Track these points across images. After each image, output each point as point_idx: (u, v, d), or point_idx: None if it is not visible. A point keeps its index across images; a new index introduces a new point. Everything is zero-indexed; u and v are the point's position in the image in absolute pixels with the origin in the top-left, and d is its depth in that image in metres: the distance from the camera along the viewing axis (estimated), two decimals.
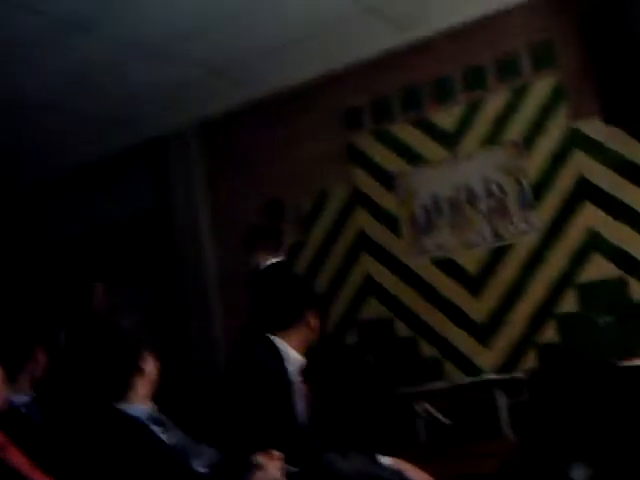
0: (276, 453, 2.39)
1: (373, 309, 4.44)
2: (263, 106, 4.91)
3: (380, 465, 2.81)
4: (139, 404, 2.35)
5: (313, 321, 3.25)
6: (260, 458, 2.37)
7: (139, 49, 4.13)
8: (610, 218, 3.82)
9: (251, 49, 4.31)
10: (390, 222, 4.42)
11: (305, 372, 3.24)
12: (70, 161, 5.68)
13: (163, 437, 2.30)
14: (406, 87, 4.41)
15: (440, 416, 3.86)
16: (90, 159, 5.65)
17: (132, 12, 3.72)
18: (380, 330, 4.40)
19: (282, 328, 3.23)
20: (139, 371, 2.37)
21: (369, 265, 4.47)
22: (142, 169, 5.46)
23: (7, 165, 5.62)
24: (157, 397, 2.46)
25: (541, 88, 4.03)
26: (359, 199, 4.53)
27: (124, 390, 2.34)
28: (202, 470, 2.40)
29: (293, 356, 3.23)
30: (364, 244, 4.50)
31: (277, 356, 3.15)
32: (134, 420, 2.30)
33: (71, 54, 4.07)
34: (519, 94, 4.09)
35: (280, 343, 3.18)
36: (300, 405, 3.20)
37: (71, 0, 3.53)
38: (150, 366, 2.42)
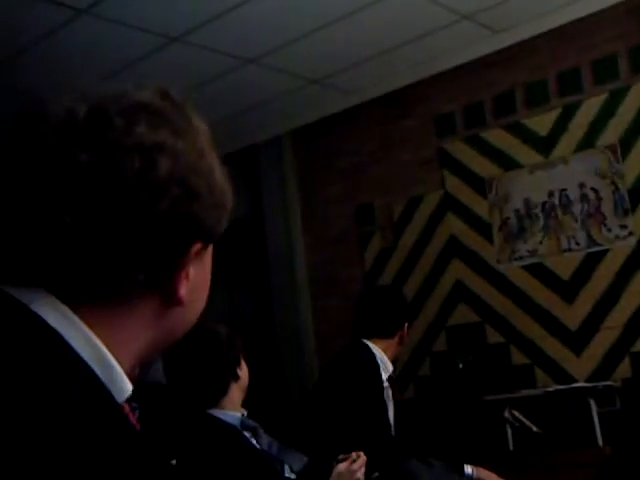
0: (359, 455, 2.42)
1: (463, 315, 4.40)
2: (357, 113, 4.96)
3: (463, 475, 2.79)
4: (232, 411, 2.38)
5: (405, 333, 3.32)
6: (342, 460, 2.40)
7: (235, 59, 4.25)
8: None
9: (346, 57, 4.38)
10: (482, 228, 4.38)
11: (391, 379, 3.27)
12: None
13: (254, 443, 2.34)
14: (499, 92, 4.38)
15: (530, 424, 3.79)
16: None
17: (229, 23, 3.82)
18: (470, 336, 4.36)
19: (383, 336, 3.29)
20: (235, 378, 2.40)
21: (460, 271, 4.44)
22: (234, 176, 5.56)
23: None
24: (246, 401, 2.49)
25: (639, 91, 3.94)
26: (450, 205, 4.52)
27: (219, 397, 2.37)
28: (291, 476, 2.44)
29: (387, 363, 3.28)
30: (455, 250, 4.47)
31: (375, 362, 3.21)
32: (229, 427, 2.32)
33: (163, 66, 4.21)
34: (616, 97, 4.00)
35: (377, 350, 3.24)
36: (390, 411, 3.23)
37: (167, 10, 3.68)
38: (244, 372, 2.46)
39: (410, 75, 4.64)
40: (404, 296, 3.65)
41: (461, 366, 4.25)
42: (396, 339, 3.30)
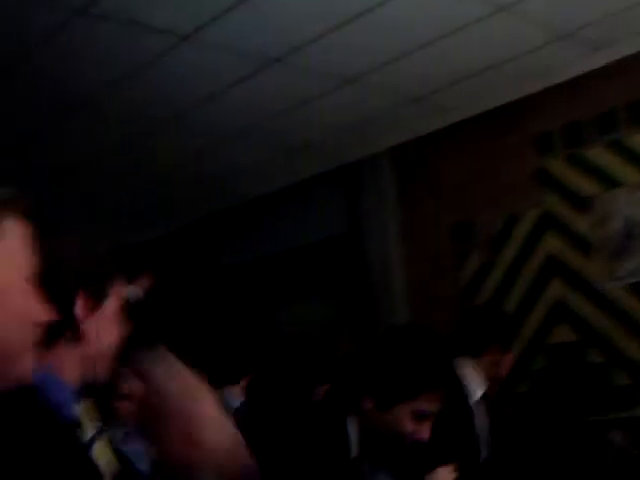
0: (448, 469, 2.44)
1: (563, 334, 4.36)
2: (456, 130, 4.98)
3: None
4: None
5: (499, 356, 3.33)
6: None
7: (335, 79, 4.35)
8: None
9: (447, 75, 4.42)
10: (582, 246, 4.33)
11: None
12: (255, 188, 6.01)
13: None
14: (601, 110, 4.33)
15: (631, 447, 3.73)
16: (277, 186, 5.95)
17: (329, 45, 3.91)
18: (570, 356, 4.31)
19: (471, 355, 3.33)
20: None
21: (559, 289, 4.40)
22: (334, 194, 5.66)
23: (195, 192, 6.02)
24: None
25: None
26: (550, 223, 4.48)
27: None
28: None
29: (477, 381, 3.31)
30: (554, 268, 4.43)
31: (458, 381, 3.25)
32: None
33: (265, 87, 4.35)
34: None
35: (466, 369, 3.28)
36: (480, 429, 3.25)
37: (267, 33, 3.80)
38: None
39: (511, 93, 4.64)
40: (500, 316, 3.67)
41: (560, 387, 4.21)
42: (487, 358, 3.33)
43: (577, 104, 4.41)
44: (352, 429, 2.21)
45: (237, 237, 6.27)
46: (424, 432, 2.16)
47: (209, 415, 1.22)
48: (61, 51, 3.79)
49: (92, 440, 1.43)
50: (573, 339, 4.31)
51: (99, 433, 1.47)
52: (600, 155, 4.31)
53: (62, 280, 1.38)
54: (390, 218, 5.28)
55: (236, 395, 3.36)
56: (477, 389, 3.32)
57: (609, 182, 4.26)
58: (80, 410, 1.44)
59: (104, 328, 1.46)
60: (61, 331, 1.38)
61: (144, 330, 1.65)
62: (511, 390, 4.51)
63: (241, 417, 2.83)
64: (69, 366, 1.42)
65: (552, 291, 4.43)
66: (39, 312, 1.13)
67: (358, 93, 4.53)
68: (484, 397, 3.27)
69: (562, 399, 4.22)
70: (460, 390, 3.25)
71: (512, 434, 4.08)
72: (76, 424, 1.40)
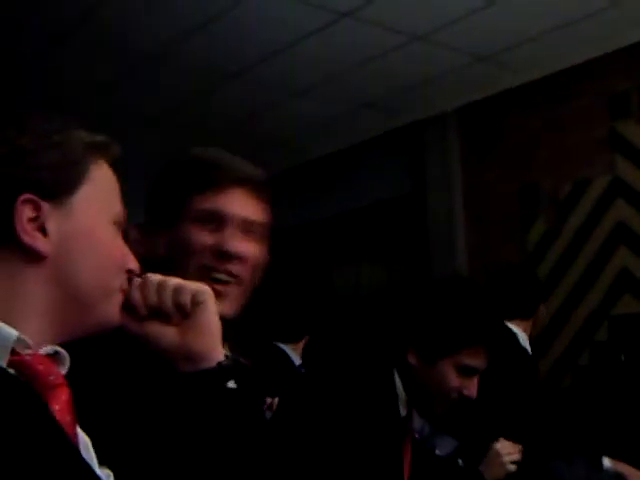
0: (513, 444, 2.42)
1: (628, 305, 4.21)
2: (525, 91, 4.82)
3: (604, 472, 2.71)
4: None
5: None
6: (497, 445, 2.41)
7: (404, 35, 4.25)
8: None
9: (516, 34, 4.26)
10: None
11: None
12: (321, 147, 5.93)
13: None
14: None
15: None
16: (342, 145, 5.87)
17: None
18: (635, 327, 4.17)
19: (523, 317, 3.30)
20: None
21: (627, 259, 4.24)
22: (397, 154, 5.56)
23: (258, 151, 5.96)
24: None
25: None
26: (620, 189, 4.31)
27: None
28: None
29: (526, 344, 3.27)
30: (622, 237, 4.27)
31: (520, 347, 3.20)
32: None
33: (333, 42, 4.28)
34: None
35: (519, 331, 3.26)
36: None
37: None
38: None
39: (584, 53, 4.46)
40: (537, 276, 3.66)
41: (623, 358, 4.09)
42: (532, 320, 3.31)
43: None
44: (399, 384, 2.18)
45: (299, 197, 6.23)
46: (471, 388, 2.12)
47: None
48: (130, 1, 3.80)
49: None
50: (638, 311, 4.18)
51: None
52: None
53: None
54: (454, 179, 5.18)
55: (298, 353, 3.37)
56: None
57: None
58: None
59: None
60: None
61: None
62: (572, 361, 4.40)
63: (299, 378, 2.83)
64: None
65: (618, 260, 4.29)
66: (125, 257, 1.15)
67: (426, 51, 4.42)
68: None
69: (624, 372, 4.10)
70: (518, 347, 3.20)
71: (571, 406, 4.00)
72: None
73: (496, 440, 2.44)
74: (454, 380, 2.11)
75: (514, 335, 3.22)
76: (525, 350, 3.24)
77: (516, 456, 2.42)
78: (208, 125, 5.50)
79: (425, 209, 5.31)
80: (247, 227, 1.48)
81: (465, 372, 2.11)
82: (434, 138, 5.29)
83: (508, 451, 2.41)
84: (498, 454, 2.39)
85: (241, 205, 1.48)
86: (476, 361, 2.10)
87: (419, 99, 5.09)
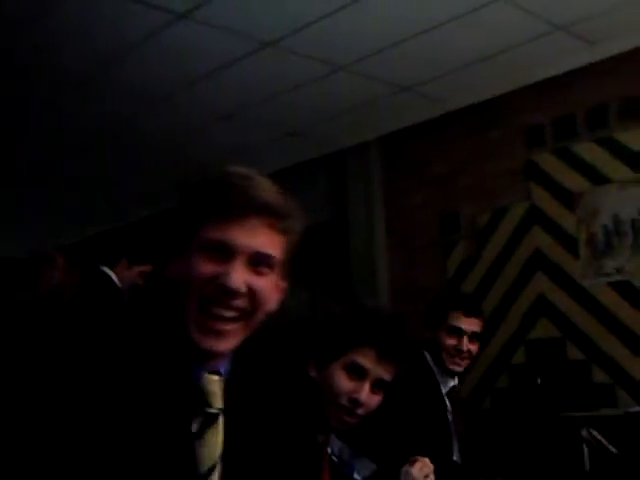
0: (426, 461, 2.41)
1: (544, 330, 4.34)
2: (445, 121, 4.95)
3: None
4: None
5: None
6: (407, 467, 2.40)
7: (326, 65, 4.30)
8: None
9: (437, 66, 4.38)
10: (568, 242, 4.31)
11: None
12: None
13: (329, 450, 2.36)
14: (592, 105, 4.30)
15: (608, 445, 3.72)
16: (267, 171, 5.85)
17: (321, 30, 3.86)
18: (550, 351, 4.30)
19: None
20: None
21: (543, 285, 4.38)
22: (321, 181, 5.63)
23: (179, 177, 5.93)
24: None
25: None
26: (537, 217, 4.46)
27: None
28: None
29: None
30: (539, 263, 4.41)
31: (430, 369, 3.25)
32: None
33: (256, 70, 4.31)
34: None
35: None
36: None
37: (260, 16, 3.73)
38: None
39: (501, 85, 4.61)
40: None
41: (539, 381, 4.20)
42: None
43: (568, 98, 4.38)
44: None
45: None
46: (363, 392, 2.06)
47: None
48: (54, 27, 3.75)
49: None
50: (554, 335, 4.30)
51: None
52: (589, 150, 4.28)
53: None
54: (376, 207, 5.25)
55: None
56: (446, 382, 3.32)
57: (597, 178, 4.23)
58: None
59: None
60: None
61: None
62: (490, 384, 4.50)
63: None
64: None
65: (535, 286, 4.42)
66: None
67: (349, 80, 4.49)
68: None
69: (540, 395, 4.21)
70: (431, 378, 3.25)
71: (489, 428, 4.07)
72: None
73: (413, 459, 2.43)
74: (345, 383, 2.07)
75: (422, 354, 3.28)
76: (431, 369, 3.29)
77: (431, 477, 2.42)
78: (131, 149, 5.47)
79: (347, 235, 5.37)
80: (258, 260, 1.37)
81: (355, 371, 2.06)
82: (357, 166, 5.37)
83: (423, 472, 2.41)
84: (409, 475, 2.38)
85: (252, 235, 1.37)
86: (365, 360, 2.05)
87: (342, 128, 5.16)
